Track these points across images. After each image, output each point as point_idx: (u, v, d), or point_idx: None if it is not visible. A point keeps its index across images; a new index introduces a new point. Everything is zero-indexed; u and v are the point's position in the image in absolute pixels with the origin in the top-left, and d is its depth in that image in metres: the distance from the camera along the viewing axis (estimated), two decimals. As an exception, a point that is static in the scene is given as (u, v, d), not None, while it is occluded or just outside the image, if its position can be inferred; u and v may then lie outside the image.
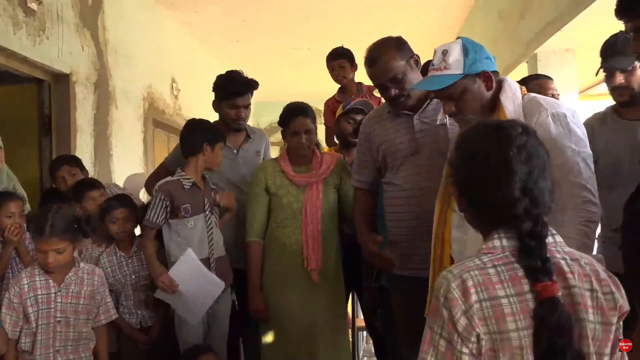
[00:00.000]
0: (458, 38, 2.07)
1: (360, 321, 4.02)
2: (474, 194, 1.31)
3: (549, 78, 3.20)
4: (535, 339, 1.16)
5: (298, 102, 3.04)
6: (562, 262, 1.23)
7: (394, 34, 2.52)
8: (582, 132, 1.97)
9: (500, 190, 1.25)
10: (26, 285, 2.58)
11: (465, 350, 1.18)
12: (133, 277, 3.08)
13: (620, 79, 2.46)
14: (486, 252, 1.25)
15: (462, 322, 1.18)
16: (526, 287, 1.19)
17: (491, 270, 1.21)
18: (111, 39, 4.88)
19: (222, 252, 2.98)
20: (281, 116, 3.01)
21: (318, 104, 4.25)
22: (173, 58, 6.42)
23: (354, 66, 4.13)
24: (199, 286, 2.84)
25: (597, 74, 2.56)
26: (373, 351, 4.85)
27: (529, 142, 1.27)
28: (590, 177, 1.93)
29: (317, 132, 3.08)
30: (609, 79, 2.51)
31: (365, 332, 5.00)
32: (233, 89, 3.16)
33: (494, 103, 2.05)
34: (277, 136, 10.44)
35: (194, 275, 2.82)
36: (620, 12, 1.74)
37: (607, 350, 1.22)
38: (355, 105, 3.37)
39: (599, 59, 2.56)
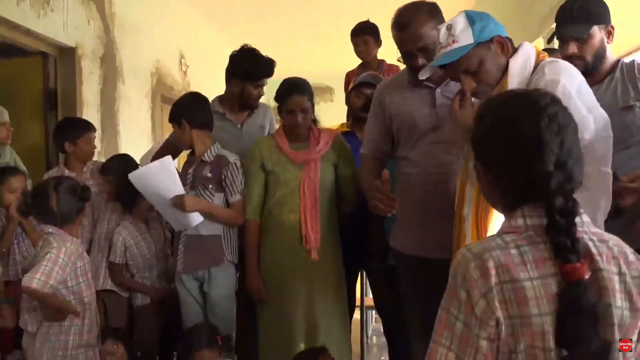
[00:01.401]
0: (460, 12, 1.97)
1: (369, 300, 3.99)
2: (501, 169, 1.21)
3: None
4: (559, 324, 1.08)
5: (295, 78, 2.95)
6: (590, 243, 1.15)
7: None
8: (573, 105, 1.78)
9: (533, 163, 1.15)
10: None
11: (483, 334, 1.10)
12: (155, 247, 3.22)
13: (573, 48, 2.30)
14: (509, 230, 1.17)
15: (480, 304, 1.10)
16: (550, 270, 1.11)
17: (513, 251, 1.13)
18: (118, 12, 4.82)
19: (214, 231, 2.94)
20: (277, 92, 2.93)
21: (329, 82, 4.18)
22: (181, 34, 6.35)
23: (378, 42, 4.01)
24: (167, 193, 2.85)
25: (549, 41, 2.44)
26: (381, 330, 4.86)
27: (560, 112, 1.18)
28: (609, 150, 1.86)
29: (315, 108, 3.00)
30: (562, 47, 2.36)
31: (374, 311, 4.99)
32: (260, 69, 3.16)
33: (506, 67, 1.94)
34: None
35: (165, 182, 2.85)
36: None
37: (635, 338, 1.14)
38: (364, 79, 3.28)
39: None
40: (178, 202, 2.82)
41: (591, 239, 1.16)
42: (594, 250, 1.14)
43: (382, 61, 4.08)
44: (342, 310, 2.94)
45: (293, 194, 2.86)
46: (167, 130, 5.65)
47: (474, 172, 1.91)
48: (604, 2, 2.35)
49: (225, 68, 3.27)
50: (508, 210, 1.22)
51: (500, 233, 1.18)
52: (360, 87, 3.27)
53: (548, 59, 2.00)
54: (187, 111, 2.99)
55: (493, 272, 1.11)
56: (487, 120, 1.25)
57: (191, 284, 2.98)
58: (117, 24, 4.82)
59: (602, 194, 1.82)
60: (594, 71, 2.32)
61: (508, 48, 1.94)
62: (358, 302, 3.93)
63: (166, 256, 3.34)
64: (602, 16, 2.31)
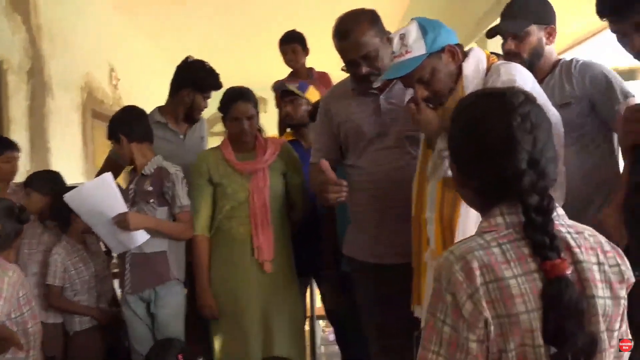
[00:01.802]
0: (412, 19, 1.99)
1: (319, 309, 3.95)
2: (475, 168, 1.20)
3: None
4: (544, 321, 1.07)
5: (238, 86, 2.90)
6: (568, 236, 1.15)
7: (336, 16, 2.37)
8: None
9: (504, 162, 1.14)
10: None
11: (472, 337, 1.08)
12: (94, 269, 3.09)
13: (510, 44, 2.34)
14: (489, 230, 1.15)
15: (467, 306, 1.08)
16: (533, 266, 1.10)
17: (496, 250, 1.11)
18: (45, 24, 4.62)
19: (159, 247, 2.83)
20: (221, 102, 2.87)
21: (262, 93, 4.16)
22: (111, 46, 6.16)
23: (305, 50, 4.05)
24: (108, 212, 2.74)
25: (488, 36, 2.45)
26: (329, 339, 4.83)
27: (532, 111, 1.17)
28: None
29: (259, 117, 2.96)
30: (504, 42, 2.39)
31: (321, 321, 4.95)
32: (214, 80, 3.14)
33: (459, 73, 1.98)
34: (221, 126, 10.32)
35: (105, 200, 2.73)
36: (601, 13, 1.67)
37: (617, 326, 1.15)
38: (280, 89, 3.35)
39: None
40: (121, 221, 2.70)
41: (568, 232, 1.16)
42: (572, 242, 1.14)
43: (311, 69, 4.11)
44: (298, 323, 2.90)
45: (242, 206, 2.79)
46: (99, 145, 5.47)
47: (439, 173, 1.94)
48: (548, 3, 2.38)
49: (169, 79, 3.20)
50: (485, 209, 1.21)
51: (480, 232, 1.17)
52: (282, 98, 3.31)
53: (498, 61, 2.05)
54: (124, 125, 2.89)
55: (477, 272, 1.09)
56: (460, 121, 1.25)
57: (137, 304, 2.86)
58: (45, 36, 4.61)
59: (557, 188, 1.85)
60: (532, 69, 2.30)
61: (459, 56, 1.98)
62: (307, 312, 3.88)
63: (105, 277, 3.21)
64: (542, 15, 2.34)
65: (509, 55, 2.33)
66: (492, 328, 1.08)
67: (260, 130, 2.98)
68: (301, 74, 3.98)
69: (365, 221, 2.42)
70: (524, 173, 1.13)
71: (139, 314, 2.86)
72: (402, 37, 1.94)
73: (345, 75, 2.48)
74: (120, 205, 2.73)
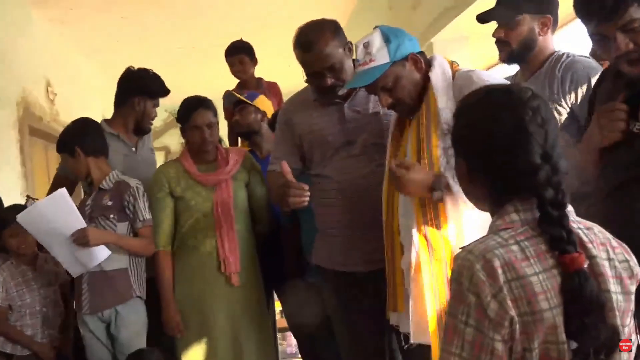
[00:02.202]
0: (376, 27, 2.01)
1: (280, 321, 3.88)
2: (489, 163, 1.19)
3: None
4: (565, 316, 1.07)
5: (196, 95, 2.84)
6: (580, 232, 1.15)
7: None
8: None
9: (519, 156, 1.14)
10: None
11: (497, 337, 1.07)
12: (41, 291, 2.91)
13: (500, 32, 2.28)
14: (504, 227, 1.15)
15: (492, 306, 1.07)
16: (552, 262, 1.10)
17: (514, 247, 1.11)
18: (-25, 38, 4.40)
19: (118, 265, 2.71)
20: (179, 111, 2.80)
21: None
22: (47, 59, 5.91)
23: (253, 60, 3.99)
24: (64, 229, 2.60)
25: (482, 21, 2.32)
26: (287, 352, 4.76)
27: (541, 106, 1.17)
28: None
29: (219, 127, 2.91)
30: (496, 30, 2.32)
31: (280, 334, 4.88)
32: (161, 87, 3.05)
33: (425, 83, 2.00)
34: (162, 140, 9.97)
35: (61, 217, 2.60)
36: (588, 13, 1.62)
37: (627, 321, 1.16)
38: (227, 104, 3.34)
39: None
40: (80, 237, 2.57)
41: (579, 228, 1.17)
42: (584, 238, 1.15)
43: (260, 79, 4.07)
44: (268, 336, 2.85)
45: (206, 219, 2.72)
46: (38, 163, 5.24)
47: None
48: None
49: (108, 94, 3.16)
50: (496, 206, 1.20)
51: (496, 231, 1.16)
52: (232, 110, 3.28)
53: (464, 68, 2.08)
54: (80, 138, 2.77)
55: (500, 271, 1.08)
56: (469, 117, 1.24)
57: (96, 325, 2.72)
58: (-25, 51, 4.39)
59: None
60: (521, 60, 2.30)
61: (422, 64, 2.01)
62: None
63: (56, 301, 3.01)
64: (537, 4, 2.25)
65: (499, 43, 2.29)
66: (517, 327, 1.07)
67: (220, 140, 2.91)
68: (250, 85, 3.92)
69: (334, 230, 2.40)
70: (539, 167, 1.14)
71: (98, 335, 2.73)
72: (366, 45, 1.97)
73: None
74: (77, 222, 2.60)
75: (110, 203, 2.71)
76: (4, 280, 2.83)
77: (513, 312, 1.07)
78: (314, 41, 2.24)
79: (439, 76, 1.98)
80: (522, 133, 1.15)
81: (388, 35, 1.96)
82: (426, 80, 2.00)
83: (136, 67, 3.14)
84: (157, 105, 3.12)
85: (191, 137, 2.77)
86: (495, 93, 1.24)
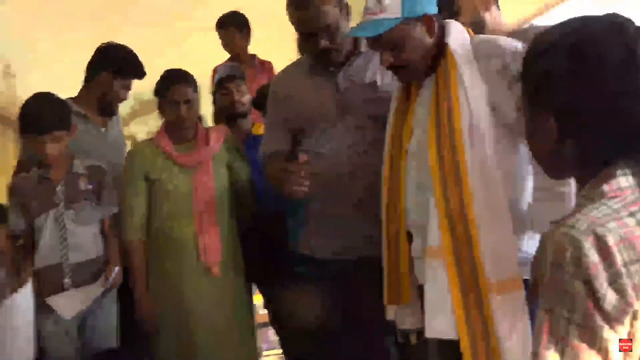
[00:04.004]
0: None
1: (261, 317, 3.66)
2: (590, 115, 0.94)
3: None
4: None
5: (178, 68, 2.59)
6: None
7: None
8: None
9: (636, 101, 0.90)
10: None
11: (613, 336, 0.84)
12: None
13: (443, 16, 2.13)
14: (612, 195, 0.91)
15: (610, 296, 0.83)
16: None
17: (629, 220, 0.87)
18: None
19: (89, 255, 2.47)
20: (157, 84, 2.56)
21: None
22: (5, 39, 5.59)
23: (244, 33, 3.73)
24: None
25: None
26: (264, 349, 4.55)
27: None
28: None
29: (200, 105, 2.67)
30: None
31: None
32: (134, 67, 2.79)
33: (439, 49, 1.79)
34: (128, 129, 9.64)
35: None
36: None
37: None
38: (225, 73, 2.98)
39: None
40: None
41: None
42: None
43: (254, 56, 3.82)
44: (250, 331, 2.64)
45: (185, 204, 2.48)
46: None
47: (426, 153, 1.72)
48: None
49: (87, 63, 2.83)
50: (591, 170, 0.96)
51: (599, 198, 0.92)
52: (224, 83, 2.96)
53: (475, 36, 1.87)
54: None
55: (615, 249, 0.85)
56: (560, 56, 0.97)
57: (66, 321, 2.45)
58: None
59: None
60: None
61: (434, 29, 1.79)
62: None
63: None
64: None
65: None
66: (638, 323, 0.85)
67: (200, 119, 2.67)
68: (242, 60, 3.64)
69: (325, 212, 2.20)
70: None
71: (68, 332, 2.46)
72: None
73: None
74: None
75: (89, 187, 2.49)
76: None
77: (638, 305, 0.84)
78: None
79: (457, 42, 1.77)
80: (637, 73, 0.91)
81: None
82: (440, 46, 1.79)
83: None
84: (127, 87, 2.85)
85: (167, 113, 2.53)
86: (591, 22, 0.98)
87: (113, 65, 2.77)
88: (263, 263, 2.77)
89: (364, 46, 2.19)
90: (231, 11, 3.79)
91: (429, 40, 1.78)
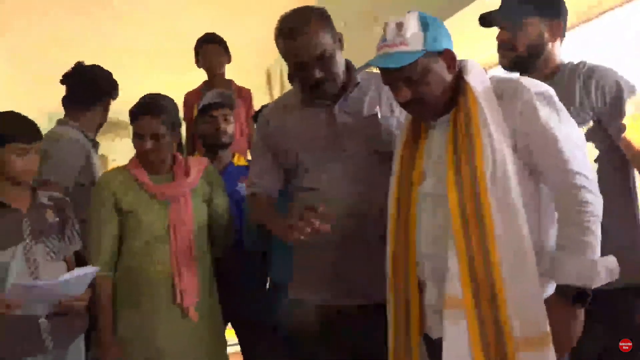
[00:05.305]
0: (412, 12, 1.70)
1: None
2: None
3: None
4: None
5: (153, 95, 2.36)
6: None
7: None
8: (568, 114, 1.68)
9: None
10: None
11: None
12: None
13: (503, 34, 2.06)
14: None
15: None
16: None
17: None
18: None
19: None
20: (129, 111, 2.35)
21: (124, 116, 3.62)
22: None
23: (226, 56, 3.62)
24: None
25: (485, 24, 2.10)
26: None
27: None
28: (587, 165, 1.63)
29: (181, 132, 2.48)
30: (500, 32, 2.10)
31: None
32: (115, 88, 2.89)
33: (457, 86, 1.70)
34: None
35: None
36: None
37: None
38: (212, 100, 2.79)
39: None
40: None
41: None
42: None
43: (231, 81, 3.67)
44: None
45: (160, 240, 2.27)
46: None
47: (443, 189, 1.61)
48: None
49: (82, 88, 2.85)
50: None
51: None
52: (207, 111, 2.77)
53: (495, 75, 1.79)
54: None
55: None
56: None
57: None
58: None
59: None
60: (528, 67, 2.05)
61: (454, 65, 1.72)
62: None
63: None
64: (546, 6, 2.04)
65: (503, 46, 2.06)
66: None
67: (180, 145, 2.48)
68: (219, 85, 3.45)
69: (319, 253, 2.02)
70: None
71: None
72: (399, 26, 1.66)
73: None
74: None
75: (57, 219, 2.22)
76: None
77: None
78: (302, 27, 1.93)
79: (477, 79, 1.69)
80: None
81: (427, 22, 1.67)
82: (457, 83, 1.71)
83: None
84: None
85: (134, 144, 2.34)
86: None
87: (111, 90, 2.84)
88: (237, 304, 2.59)
89: (358, 78, 2.09)
90: (213, 33, 3.66)
91: (449, 76, 1.70)
